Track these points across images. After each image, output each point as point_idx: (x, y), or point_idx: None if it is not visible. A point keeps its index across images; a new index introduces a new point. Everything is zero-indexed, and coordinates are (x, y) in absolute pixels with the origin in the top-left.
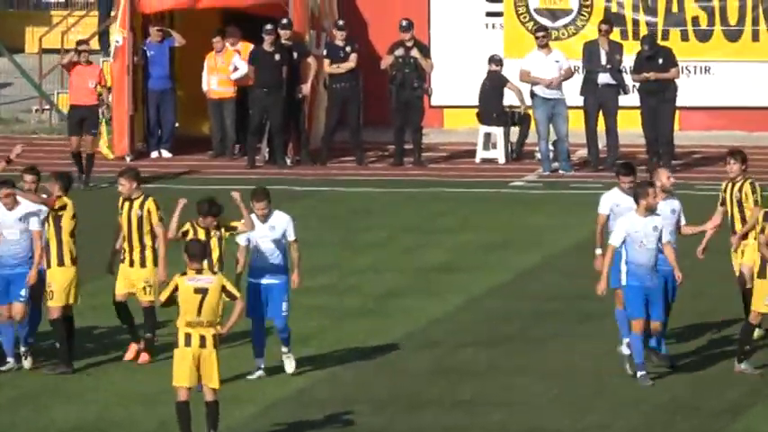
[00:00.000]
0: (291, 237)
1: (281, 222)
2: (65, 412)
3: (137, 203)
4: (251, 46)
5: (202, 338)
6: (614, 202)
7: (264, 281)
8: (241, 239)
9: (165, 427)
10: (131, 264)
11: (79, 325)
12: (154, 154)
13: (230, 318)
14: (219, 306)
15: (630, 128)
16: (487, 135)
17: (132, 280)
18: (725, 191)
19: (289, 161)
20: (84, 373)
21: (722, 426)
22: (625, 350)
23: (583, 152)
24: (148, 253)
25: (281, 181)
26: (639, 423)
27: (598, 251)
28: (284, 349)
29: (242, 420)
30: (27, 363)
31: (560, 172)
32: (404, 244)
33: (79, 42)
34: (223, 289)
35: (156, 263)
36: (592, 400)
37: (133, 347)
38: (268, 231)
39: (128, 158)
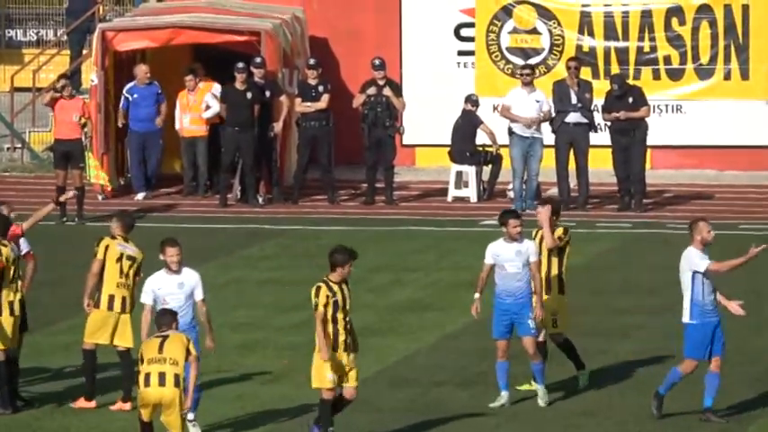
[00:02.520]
0: (200, 296)
1: (191, 279)
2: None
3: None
4: (214, 85)
5: (162, 376)
6: (494, 252)
7: None
8: (147, 297)
9: None
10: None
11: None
12: (139, 195)
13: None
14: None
15: (601, 166)
16: (459, 174)
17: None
18: None
19: (261, 199)
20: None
21: None
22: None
23: (554, 190)
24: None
25: (252, 219)
26: None
27: (476, 295)
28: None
29: None
30: None
31: (526, 210)
32: (376, 282)
33: (61, 77)
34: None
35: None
36: None
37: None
38: (176, 288)
39: (99, 197)
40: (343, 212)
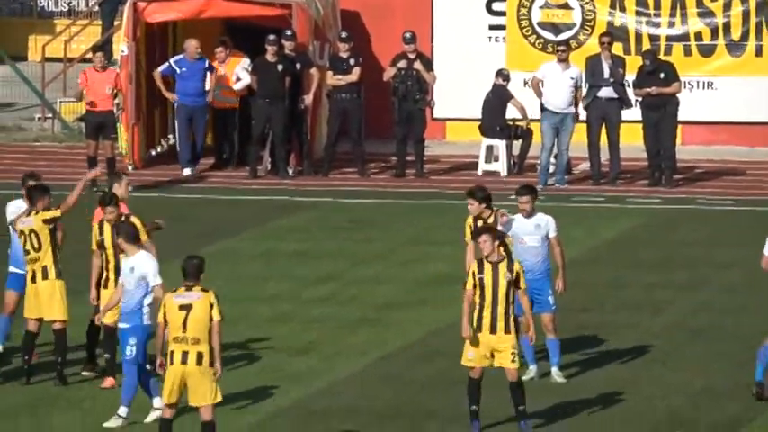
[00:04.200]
0: (156, 280)
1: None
2: (64, 420)
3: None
4: (243, 58)
5: (185, 355)
6: (514, 225)
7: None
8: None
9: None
10: (106, 284)
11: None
12: (186, 171)
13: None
14: (207, 323)
15: (632, 142)
16: (489, 148)
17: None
18: None
19: (291, 172)
20: (83, 382)
21: None
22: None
23: (585, 166)
24: None
25: (282, 192)
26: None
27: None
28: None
29: (239, 431)
30: None
31: (555, 185)
32: (405, 255)
33: (95, 48)
34: (210, 305)
35: None
36: (594, 416)
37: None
38: (128, 271)
39: (130, 168)
40: (373, 185)
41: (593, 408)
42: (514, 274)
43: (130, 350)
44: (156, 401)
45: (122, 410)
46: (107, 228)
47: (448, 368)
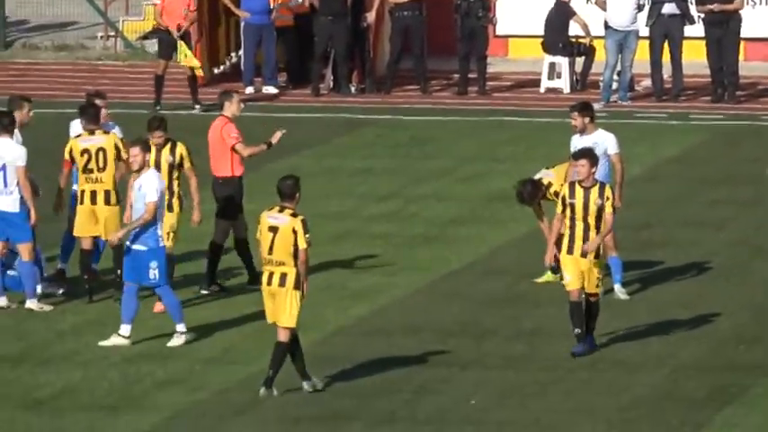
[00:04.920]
0: (152, 197)
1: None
2: (131, 339)
3: (166, 149)
4: None
5: (271, 276)
6: (573, 143)
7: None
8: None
9: (229, 354)
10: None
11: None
12: (248, 89)
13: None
14: (291, 248)
15: (695, 58)
16: (552, 65)
17: (171, 225)
18: None
19: (353, 89)
20: (146, 297)
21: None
22: None
23: (648, 82)
24: (175, 200)
25: (345, 109)
26: (706, 350)
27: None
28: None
29: (304, 347)
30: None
31: (619, 102)
32: (467, 172)
33: None
34: (293, 232)
35: (181, 208)
36: (658, 333)
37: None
38: (137, 190)
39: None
40: (435, 102)
41: (657, 325)
42: (605, 199)
43: (153, 275)
44: (124, 329)
45: (180, 326)
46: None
47: (510, 285)
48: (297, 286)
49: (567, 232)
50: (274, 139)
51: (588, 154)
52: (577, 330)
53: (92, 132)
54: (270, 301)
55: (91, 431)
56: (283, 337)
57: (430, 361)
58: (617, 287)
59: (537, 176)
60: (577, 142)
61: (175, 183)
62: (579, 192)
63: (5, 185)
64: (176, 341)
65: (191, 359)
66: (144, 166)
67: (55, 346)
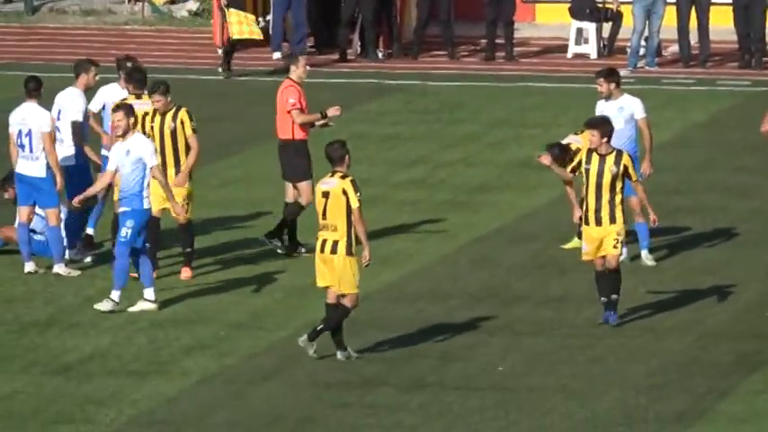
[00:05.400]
0: (151, 163)
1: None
2: (159, 305)
3: (169, 116)
4: None
5: (324, 243)
6: (599, 108)
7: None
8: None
9: (257, 319)
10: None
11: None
12: (276, 55)
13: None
14: (343, 210)
15: (722, 24)
16: (579, 30)
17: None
18: None
19: (380, 54)
20: (175, 264)
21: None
22: None
23: (675, 48)
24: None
25: (372, 74)
26: (732, 317)
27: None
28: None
29: None
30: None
31: (646, 67)
32: (494, 138)
33: None
34: (344, 193)
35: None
36: (685, 298)
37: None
38: (124, 155)
39: (219, 51)
40: (462, 68)
41: (684, 292)
42: (621, 167)
43: (126, 232)
44: (148, 293)
45: (115, 295)
46: (157, 117)
47: (538, 251)
48: (349, 252)
49: (584, 201)
50: (330, 112)
51: (597, 124)
52: (603, 299)
53: (138, 97)
54: (323, 267)
55: (119, 396)
56: (348, 302)
57: (457, 327)
58: (644, 253)
59: (565, 141)
60: (603, 108)
61: (181, 151)
62: (595, 159)
63: (31, 151)
64: (105, 305)
65: (218, 324)
66: (128, 131)
67: (83, 311)
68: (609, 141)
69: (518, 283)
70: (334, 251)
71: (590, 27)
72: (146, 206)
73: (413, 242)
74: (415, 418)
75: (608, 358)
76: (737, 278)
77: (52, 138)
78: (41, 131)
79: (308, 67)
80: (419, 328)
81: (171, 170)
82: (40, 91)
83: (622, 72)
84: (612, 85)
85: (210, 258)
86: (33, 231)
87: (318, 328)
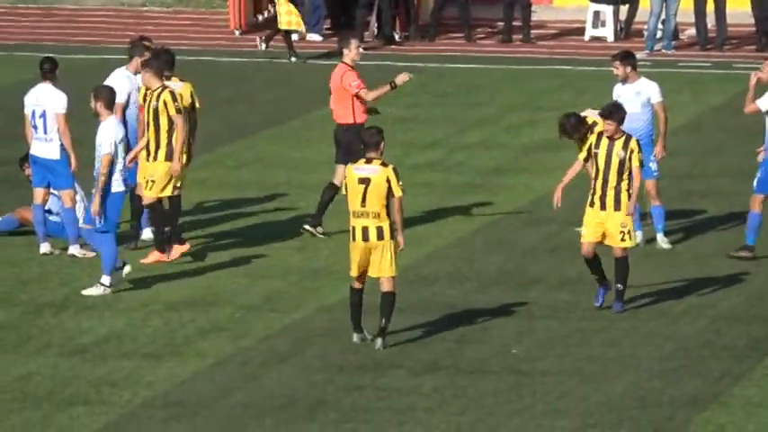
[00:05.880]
0: (104, 150)
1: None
2: (173, 287)
3: (155, 94)
4: None
5: (365, 230)
6: (616, 92)
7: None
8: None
9: (271, 301)
10: (147, 157)
11: None
12: (312, 36)
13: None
14: (384, 198)
15: (739, 7)
16: (597, 13)
17: (149, 173)
18: None
19: (397, 36)
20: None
21: None
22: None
23: (692, 31)
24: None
25: (389, 56)
26: (745, 301)
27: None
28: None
29: (344, 297)
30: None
31: (663, 50)
32: (511, 121)
33: None
34: (387, 181)
35: (189, 159)
36: (700, 280)
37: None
38: (97, 137)
39: (236, 33)
40: (479, 50)
41: (699, 272)
42: (628, 152)
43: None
44: (105, 279)
45: (105, 279)
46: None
47: (554, 234)
48: (393, 237)
49: (591, 184)
50: (398, 80)
51: (611, 113)
52: (595, 276)
53: (167, 78)
54: (363, 255)
55: (133, 378)
56: (389, 286)
57: (473, 310)
58: (659, 236)
59: (583, 114)
60: (620, 91)
61: (163, 132)
62: (604, 142)
63: (45, 132)
64: (94, 291)
65: (232, 307)
66: (100, 115)
67: None
68: (620, 125)
69: (534, 265)
70: (381, 237)
71: (607, 10)
72: (114, 188)
73: (429, 225)
74: (428, 402)
75: (622, 342)
76: (751, 262)
77: (66, 119)
78: (56, 112)
79: (361, 49)
80: (434, 310)
81: (161, 152)
82: (54, 72)
83: (639, 55)
84: (628, 68)
85: (225, 241)
86: (49, 212)
87: (382, 325)
